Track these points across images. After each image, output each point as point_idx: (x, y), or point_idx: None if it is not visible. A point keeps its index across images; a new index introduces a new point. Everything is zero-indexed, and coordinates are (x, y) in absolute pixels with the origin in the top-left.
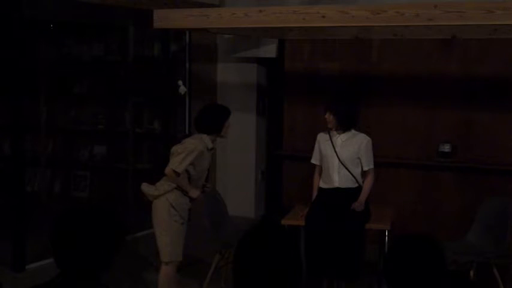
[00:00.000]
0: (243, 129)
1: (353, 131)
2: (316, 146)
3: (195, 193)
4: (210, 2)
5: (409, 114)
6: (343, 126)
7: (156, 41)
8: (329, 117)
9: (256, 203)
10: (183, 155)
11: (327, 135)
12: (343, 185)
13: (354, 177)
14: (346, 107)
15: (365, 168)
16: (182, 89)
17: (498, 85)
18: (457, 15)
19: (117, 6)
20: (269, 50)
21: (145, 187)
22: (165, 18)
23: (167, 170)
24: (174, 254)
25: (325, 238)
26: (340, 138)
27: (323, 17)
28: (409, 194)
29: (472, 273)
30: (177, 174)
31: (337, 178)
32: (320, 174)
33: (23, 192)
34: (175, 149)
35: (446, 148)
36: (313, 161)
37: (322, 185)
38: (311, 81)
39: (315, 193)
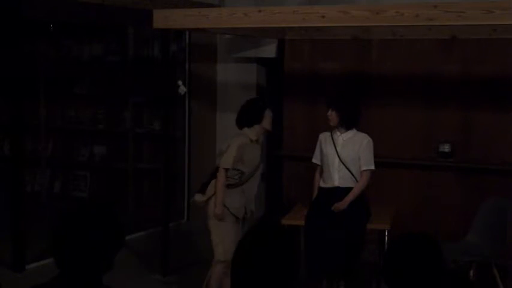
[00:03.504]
0: None
1: (354, 130)
2: (318, 145)
3: (220, 209)
4: (210, 2)
5: (409, 114)
6: (345, 124)
7: (156, 41)
8: (331, 114)
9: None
10: (229, 150)
11: (329, 135)
12: (344, 184)
13: (354, 177)
14: (349, 104)
15: (362, 168)
16: (182, 89)
17: (498, 85)
18: (457, 15)
19: (117, 6)
20: (269, 50)
21: (196, 197)
22: (165, 18)
23: (219, 170)
24: (222, 253)
25: (325, 238)
26: (341, 138)
27: (323, 17)
28: (409, 194)
29: (472, 273)
30: (227, 170)
31: (337, 177)
32: (321, 174)
33: (23, 192)
34: (219, 151)
35: (446, 148)
36: (314, 160)
37: (323, 184)
38: (311, 81)
39: (315, 193)
